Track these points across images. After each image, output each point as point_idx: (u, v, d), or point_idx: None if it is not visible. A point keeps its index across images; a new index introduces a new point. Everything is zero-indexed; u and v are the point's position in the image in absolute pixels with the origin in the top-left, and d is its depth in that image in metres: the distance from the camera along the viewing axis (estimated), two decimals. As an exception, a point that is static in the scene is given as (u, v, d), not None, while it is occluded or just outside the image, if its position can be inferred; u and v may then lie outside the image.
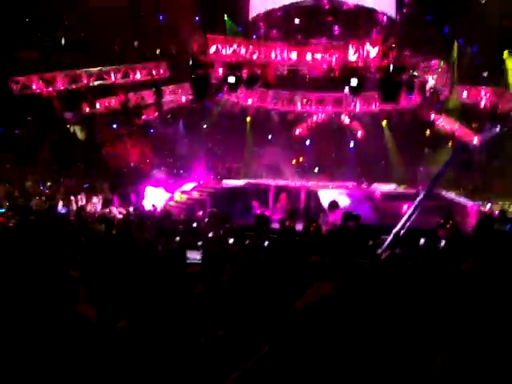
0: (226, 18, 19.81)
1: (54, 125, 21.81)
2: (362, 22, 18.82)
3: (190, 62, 14.83)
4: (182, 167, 23.63)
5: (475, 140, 21.33)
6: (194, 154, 23.15)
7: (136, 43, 22.36)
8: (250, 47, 15.63)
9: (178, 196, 19.65)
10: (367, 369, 1.57)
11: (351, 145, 25.48)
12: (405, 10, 20.54)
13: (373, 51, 14.23)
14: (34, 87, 17.82)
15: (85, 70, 18.28)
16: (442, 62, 18.20)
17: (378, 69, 14.44)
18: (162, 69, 19.20)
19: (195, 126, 23.68)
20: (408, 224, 12.06)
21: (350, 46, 14.91)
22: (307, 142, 25.52)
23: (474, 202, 18.83)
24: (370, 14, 18.71)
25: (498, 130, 19.74)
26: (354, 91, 15.25)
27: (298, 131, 25.18)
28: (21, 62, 19.39)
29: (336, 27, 19.08)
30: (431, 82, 17.94)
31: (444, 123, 22.29)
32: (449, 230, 11.99)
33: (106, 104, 20.14)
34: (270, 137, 24.62)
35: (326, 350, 1.55)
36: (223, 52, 15.16)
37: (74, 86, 18.11)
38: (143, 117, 21.43)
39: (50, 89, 17.99)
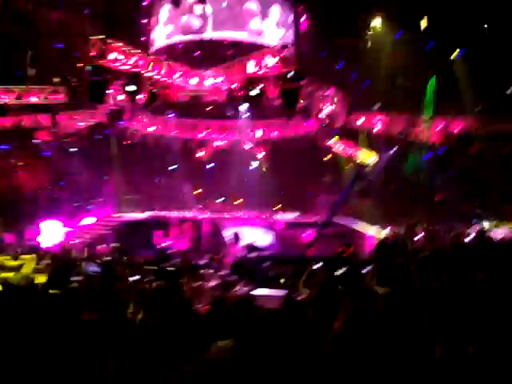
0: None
1: None
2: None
3: (87, 67, 13.90)
4: (80, 199, 22.79)
5: (372, 159, 22.68)
6: (93, 186, 22.49)
7: (32, 71, 21.51)
8: (151, 63, 15.17)
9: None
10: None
11: (252, 172, 25.85)
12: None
13: (272, 60, 14.41)
14: None
15: None
16: (337, 91, 19.19)
17: (277, 78, 14.61)
18: (59, 94, 18.60)
19: (95, 155, 23.08)
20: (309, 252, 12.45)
21: (250, 60, 15.03)
22: (209, 167, 25.56)
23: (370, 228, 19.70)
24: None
25: (392, 152, 20.98)
26: (255, 102, 15.24)
27: (199, 154, 25.17)
28: None
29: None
30: (327, 109, 18.78)
31: (341, 148, 23.43)
32: (347, 258, 12.42)
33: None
34: (171, 167, 24.46)
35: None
36: (123, 61, 14.35)
37: None
38: (37, 139, 20.58)
39: None
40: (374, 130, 20.79)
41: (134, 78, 14.25)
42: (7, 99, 17.72)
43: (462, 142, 19.51)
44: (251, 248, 13.01)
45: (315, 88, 18.24)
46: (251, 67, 14.73)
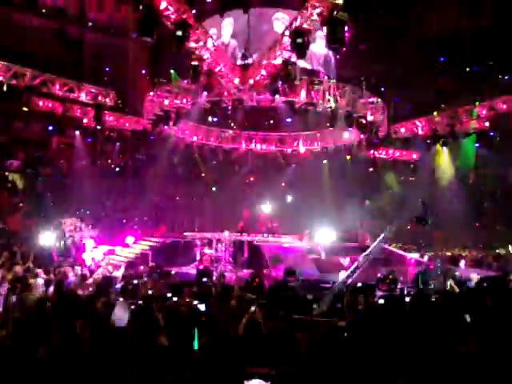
0: (172, 72, 19.97)
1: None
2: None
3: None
4: (124, 217, 23.12)
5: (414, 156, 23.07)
6: (136, 203, 22.79)
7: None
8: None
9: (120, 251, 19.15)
10: None
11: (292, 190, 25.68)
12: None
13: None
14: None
15: (31, 70, 17.58)
16: (378, 100, 19.05)
17: (319, 14, 13.75)
18: (108, 97, 19.07)
19: (138, 170, 23.42)
20: (350, 279, 12.24)
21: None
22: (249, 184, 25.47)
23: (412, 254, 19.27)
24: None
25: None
26: (300, 50, 14.51)
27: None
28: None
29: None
30: (370, 117, 18.61)
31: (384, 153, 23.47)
32: (389, 284, 12.21)
33: (45, 104, 19.11)
34: (214, 189, 24.65)
35: None
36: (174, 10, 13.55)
37: (14, 82, 17.32)
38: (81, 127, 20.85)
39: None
40: (419, 132, 20.95)
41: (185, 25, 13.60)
42: (58, 89, 18.16)
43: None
44: (290, 272, 12.89)
45: (357, 95, 18.15)
46: (297, 22, 14.17)
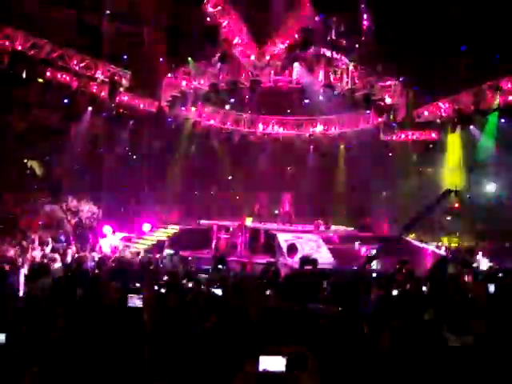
0: (189, 59, 19.93)
1: (9, 159, 21.38)
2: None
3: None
4: (140, 204, 23.13)
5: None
6: (153, 191, 22.81)
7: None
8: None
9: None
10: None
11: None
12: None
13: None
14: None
15: (51, 43, 17.45)
16: (397, 83, 18.75)
17: None
18: (125, 78, 18.99)
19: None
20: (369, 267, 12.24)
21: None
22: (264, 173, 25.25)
23: (429, 245, 19.11)
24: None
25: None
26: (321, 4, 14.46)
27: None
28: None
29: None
30: (388, 100, 18.35)
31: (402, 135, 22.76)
32: (405, 275, 12.13)
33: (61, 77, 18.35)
34: (230, 177, 24.55)
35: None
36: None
37: (32, 52, 17.21)
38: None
39: (7, 43, 16.34)
40: (443, 114, 20.03)
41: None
42: (74, 64, 18.00)
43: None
44: (306, 261, 12.89)
45: (375, 78, 17.92)
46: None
